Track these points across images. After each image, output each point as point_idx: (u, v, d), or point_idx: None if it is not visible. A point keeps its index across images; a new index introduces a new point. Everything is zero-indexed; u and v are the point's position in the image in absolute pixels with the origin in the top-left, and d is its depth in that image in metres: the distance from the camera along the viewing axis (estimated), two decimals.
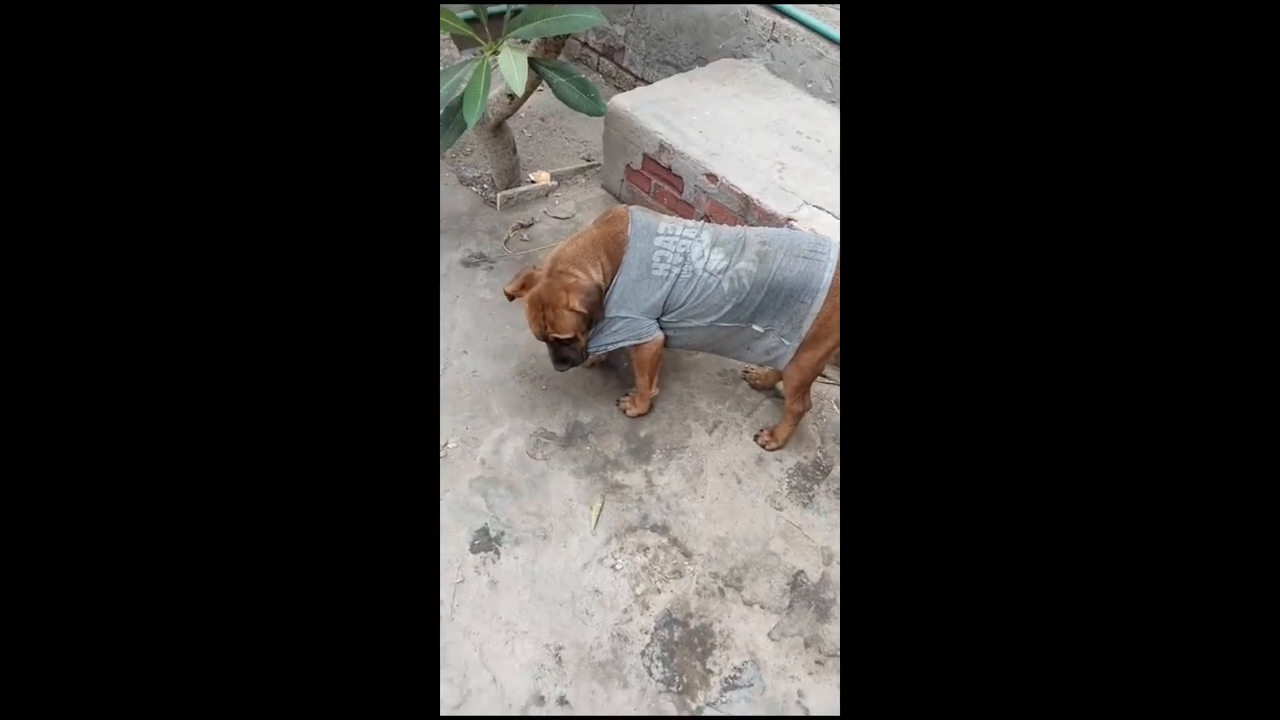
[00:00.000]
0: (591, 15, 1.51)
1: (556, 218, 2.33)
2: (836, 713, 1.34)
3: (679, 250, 1.50)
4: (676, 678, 1.36)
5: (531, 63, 1.70)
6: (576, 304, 1.44)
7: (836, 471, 1.73)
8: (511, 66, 1.46)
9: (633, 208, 1.57)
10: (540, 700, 1.30)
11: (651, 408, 1.78)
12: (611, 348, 1.58)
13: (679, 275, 1.49)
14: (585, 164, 2.54)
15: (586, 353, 1.56)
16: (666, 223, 1.55)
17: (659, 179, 2.20)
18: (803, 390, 1.62)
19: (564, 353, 1.52)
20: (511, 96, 2.02)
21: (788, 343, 1.52)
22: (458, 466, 1.63)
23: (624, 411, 1.78)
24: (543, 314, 1.45)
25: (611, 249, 1.50)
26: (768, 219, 1.89)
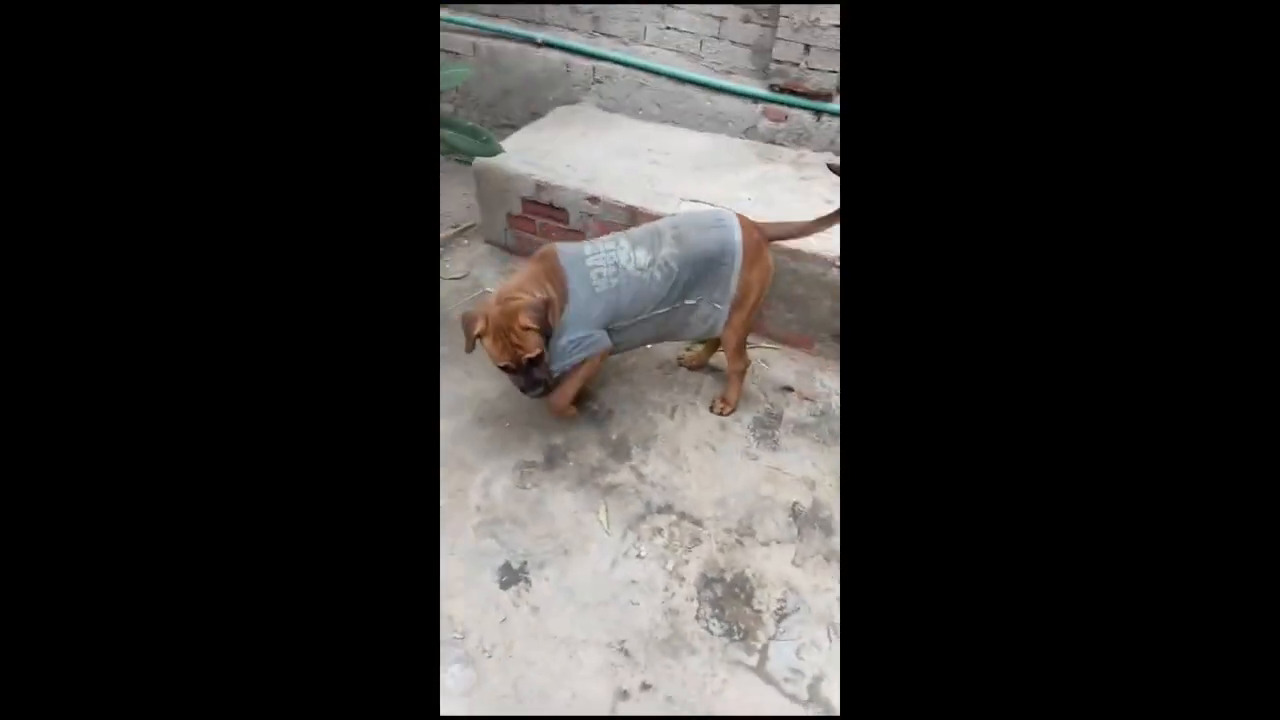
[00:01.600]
0: (463, 69, 1.64)
1: (454, 279, 2.37)
2: None
3: (610, 262, 1.63)
4: (734, 627, 1.44)
5: None
6: (527, 320, 1.50)
7: (787, 416, 1.93)
8: None
9: (555, 243, 1.69)
10: (624, 694, 1.32)
11: (573, 411, 1.85)
12: (571, 364, 1.67)
13: (619, 284, 1.63)
14: (455, 229, 2.61)
15: (552, 371, 1.63)
16: (589, 245, 1.68)
17: (542, 217, 2.33)
18: (740, 348, 1.81)
19: (535, 374, 1.57)
20: None
21: (720, 306, 1.70)
22: (457, 520, 1.60)
23: (550, 409, 1.81)
24: (507, 338, 1.50)
25: (553, 278, 1.61)
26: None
